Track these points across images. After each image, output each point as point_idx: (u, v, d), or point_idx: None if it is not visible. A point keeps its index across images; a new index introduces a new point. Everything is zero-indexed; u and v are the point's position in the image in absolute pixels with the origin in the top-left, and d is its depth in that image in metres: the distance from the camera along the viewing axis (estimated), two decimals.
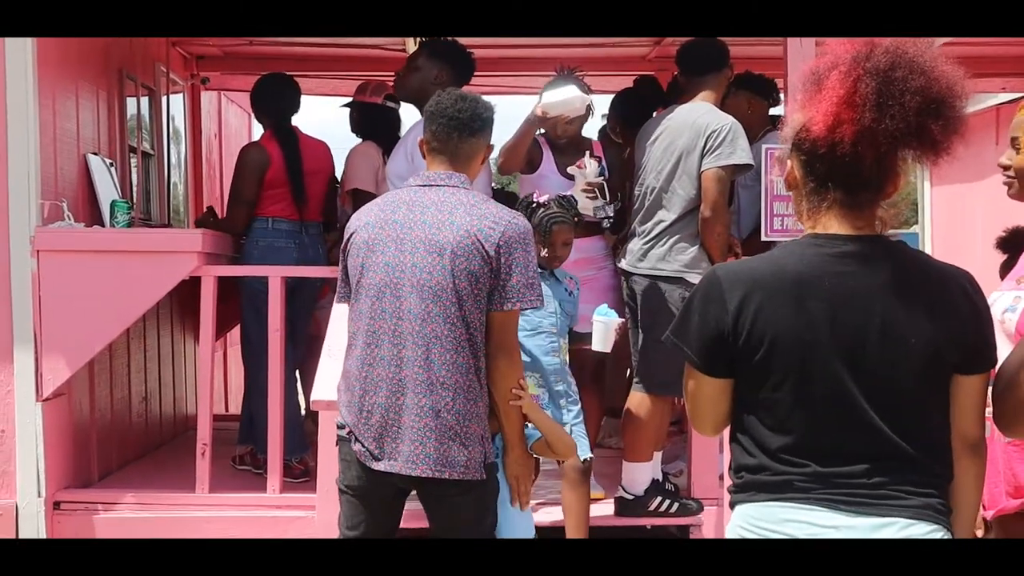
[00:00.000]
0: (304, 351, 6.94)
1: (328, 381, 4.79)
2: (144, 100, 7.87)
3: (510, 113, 6.28)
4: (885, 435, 2.63)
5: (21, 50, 5.71)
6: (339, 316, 4.96)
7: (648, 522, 5.75)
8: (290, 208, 6.63)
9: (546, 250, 5.20)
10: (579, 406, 5.32)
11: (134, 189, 7.56)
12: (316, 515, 5.43)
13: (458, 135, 4.20)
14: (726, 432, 2.87)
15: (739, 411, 2.76)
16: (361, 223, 4.19)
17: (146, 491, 6.15)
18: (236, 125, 10.83)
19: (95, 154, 6.61)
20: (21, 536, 5.81)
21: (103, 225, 6.27)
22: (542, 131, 5.99)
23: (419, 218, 4.08)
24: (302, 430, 6.71)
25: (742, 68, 6.31)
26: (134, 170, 7.61)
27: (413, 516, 4.57)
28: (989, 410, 2.80)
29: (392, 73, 6.58)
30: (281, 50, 8.45)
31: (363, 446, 4.08)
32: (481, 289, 4.02)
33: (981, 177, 9.52)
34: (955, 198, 11.61)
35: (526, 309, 4.18)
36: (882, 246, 2.71)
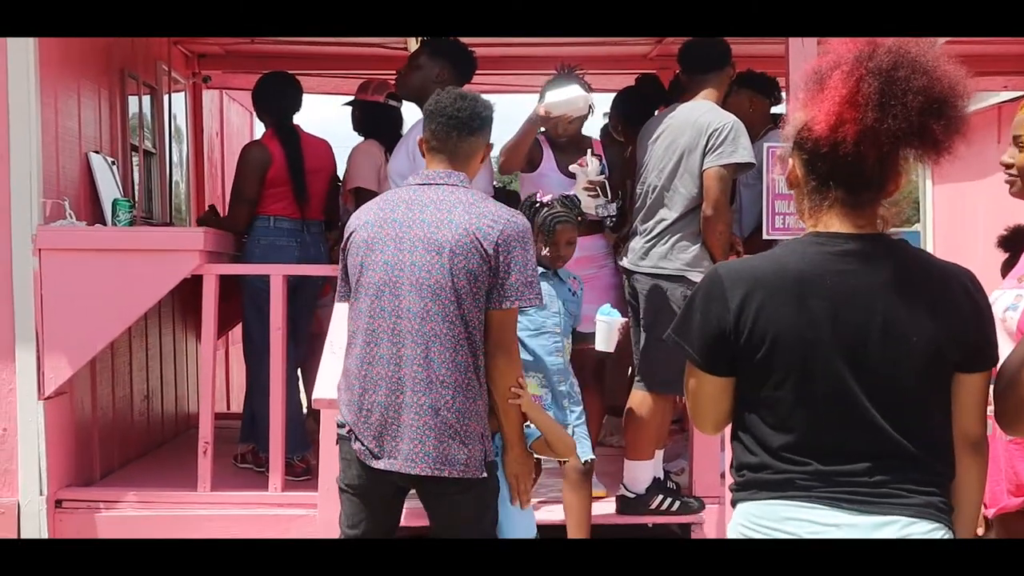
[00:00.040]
0: (306, 349, 6.94)
1: (330, 379, 4.79)
2: (146, 98, 7.87)
3: (510, 112, 6.29)
4: (887, 433, 2.63)
5: (23, 49, 5.71)
6: (341, 314, 4.96)
7: (650, 520, 5.75)
8: (292, 207, 6.63)
9: (548, 249, 5.19)
10: (581, 407, 5.31)
11: (136, 188, 7.56)
12: (318, 513, 5.43)
13: (457, 134, 4.20)
14: (727, 430, 2.88)
15: (740, 409, 2.76)
16: (360, 222, 4.20)
17: (148, 489, 6.15)
18: (238, 124, 10.83)
19: (97, 152, 6.61)
20: (23, 534, 5.82)
21: (105, 224, 6.27)
22: (542, 129, 6.00)
23: (418, 217, 4.08)
24: (304, 428, 6.72)
25: (744, 66, 6.31)
26: (136, 169, 7.61)
27: (414, 515, 4.58)
28: (990, 408, 2.80)
29: (394, 72, 6.58)
30: (283, 48, 8.45)
31: (363, 445, 4.09)
32: (480, 287, 4.03)
33: (983, 175, 9.51)
34: (957, 196, 11.61)
35: (525, 307, 4.19)
36: (883, 244, 2.71)
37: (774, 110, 6.79)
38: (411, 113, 6.69)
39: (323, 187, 6.86)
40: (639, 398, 5.67)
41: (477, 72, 6.30)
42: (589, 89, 6.03)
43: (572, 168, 5.85)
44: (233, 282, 6.58)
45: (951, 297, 2.68)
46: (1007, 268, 4.23)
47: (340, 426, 4.20)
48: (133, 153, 7.54)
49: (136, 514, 5.96)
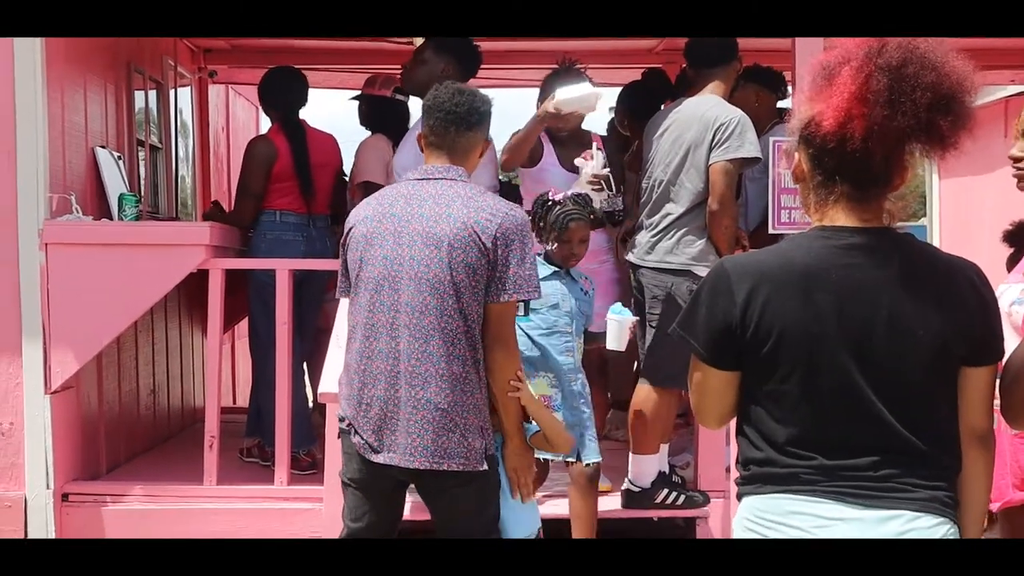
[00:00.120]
0: (312, 344, 6.95)
1: (335, 373, 4.79)
2: (152, 93, 7.88)
3: (510, 107, 6.28)
4: (892, 427, 2.63)
5: (30, 44, 5.72)
6: (347, 308, 4.97)
7: (655, 514, 5.76)
8: (298, 201, 6.64)
9: (561, 247, 5.15)
10: (591, 408, 5.30)
11: (142, 182, 7.56)
12: (323, 507, 5.44)
13: (455, 129, 4.20)
14: (732, 424, 2.88)
15: (746, 404, 2.76)
16: (360, 217, 4.20)
17: (154, 483, 6.16)
18: (244, 118, 10.83)
19: (103, 147, 6.62)
20: (30, 528, 5.83)
21: (111, 218, 6.27)
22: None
23: (417, 211, 4.09)
24: (309, 422, 6.73)
25: (750, 60, 6.30)
26: (142, 163, 7.62)
27: (419, 508, 4.58)
28: (996, 402, 2.80)
29: (400, 66, 6.58)
30: (289, 43, 8.44)
31: (362, 439, 4.10)
32: (479, 281, 4.03)
33: (989, 170, 9.49)
34: (963, 191, 11.59)
35: (523, 300, 4.19)
36: (889, 238, 2.71)
37: (780, 104, 6.79)
38: (418, 108, 6.68)
39: (329, 182, 6.86)
40: (644, 392, 5.67)
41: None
42: (590, 84, 6.03)
43: (577, 162, 5.84)
44: (239, 276, 6.58)
45: (957, 291, 2.68)
46: (1012, 262, 4.24)
47: (341, 420, 4.22)
48: (139, 148, 7.55)
49: (142, 508, 5.97)
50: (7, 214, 5.79)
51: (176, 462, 6.81)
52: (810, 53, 5.28)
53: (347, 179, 7.09)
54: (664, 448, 5.81)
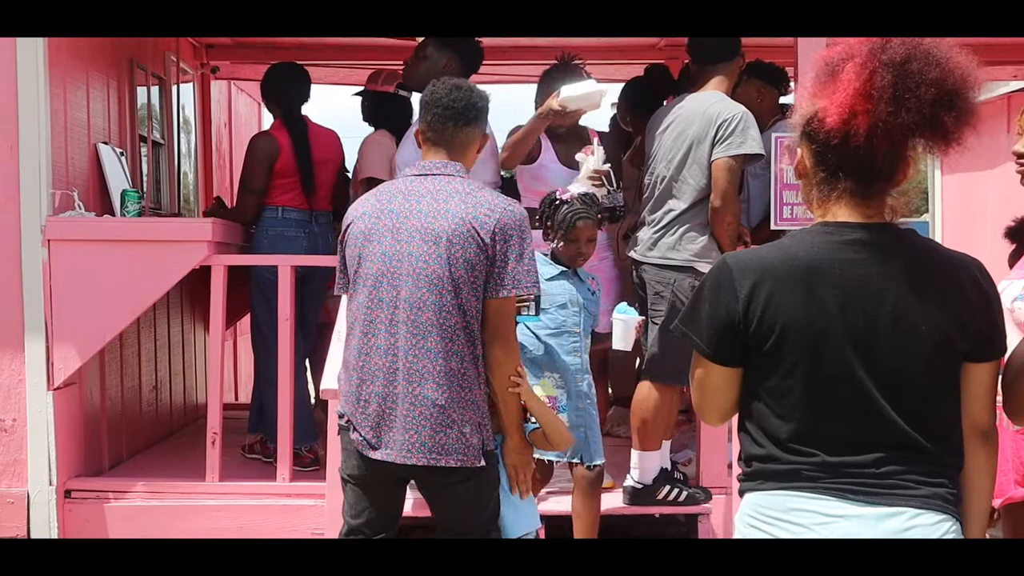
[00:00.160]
0: (314, 340, 6.95)
1: (338, 370, 4.80)
2: (154, 89, 7.87)
3: (512, 102, 6.27)
4: (895, 424, 2.63)
5: (32, 41, 5.72)
6: None
7: (656, 511, 5.76)
8: (300, 197, 6.64)
9: (568, 246, 5.13)
10: (596, 410, 5.29)
11: (144, 178, 7.56)
12: (326, 503, 5.45)
13: (453, 124, 4.20)
14: (734, 421, 2.88)
15: (748, 400, 2.76)
16: (358, 213, 4.20)
17: (156, 480, 6.17)
18: (246, 114, 10.83)
19: (106, 143, 6.63)
20: (32, 524, 5.84)
21: (114, 214, 6.28)
22: None
23: (415, 207, 4.08)
24: (311, 419, 6.73)
25: (752, 56, 6.29)
26: (144, 159, 7.62)
27: (420, 505, 4.58)
28: (999, 398, 2.79)
29: (403, 62, 6.58)
30: (291, 39, 8.44)
31: (360, 435, 4.10)
32: (477, 277, 4.02)
33: (991, 166, 9.49)
34: (965, 187, 11.58)
35: (522, 295, 4.18)
36: (892, 234, 2.71)
37: (782, 100, 6.78)
38: None
39: (331, 178, 6.86)
40: (646, 389, 5.67)
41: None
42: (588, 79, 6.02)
43: (577, 157, 5.80)
44: (241, 273, 6.58)
45: (960, 287, 2.68)
46: (1014, 259, 4.23)
47: (340, 416, 4.22)
48: (142, 144, 7.55)
49: (145, 504, 5.98)
50: (10, 210, 5.80)
51: (178, 458, 6.81)
52: (812, 52, 5.31)
53: (349, 175, 7.09)
54: (666, 445, 5.81)
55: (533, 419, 4.29)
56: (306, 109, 6.91)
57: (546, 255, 5.19)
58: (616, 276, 6.13)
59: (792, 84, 6.65)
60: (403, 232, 4.06)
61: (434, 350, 4.00)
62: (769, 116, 6.50)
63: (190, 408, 8.16)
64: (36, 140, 5.77)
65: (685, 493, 5.74)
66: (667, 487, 5.71)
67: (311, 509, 5.85)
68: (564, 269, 5.15)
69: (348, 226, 4.21)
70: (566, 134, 5.99)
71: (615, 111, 7.35)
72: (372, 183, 6.37)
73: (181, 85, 8.49)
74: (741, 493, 2.79)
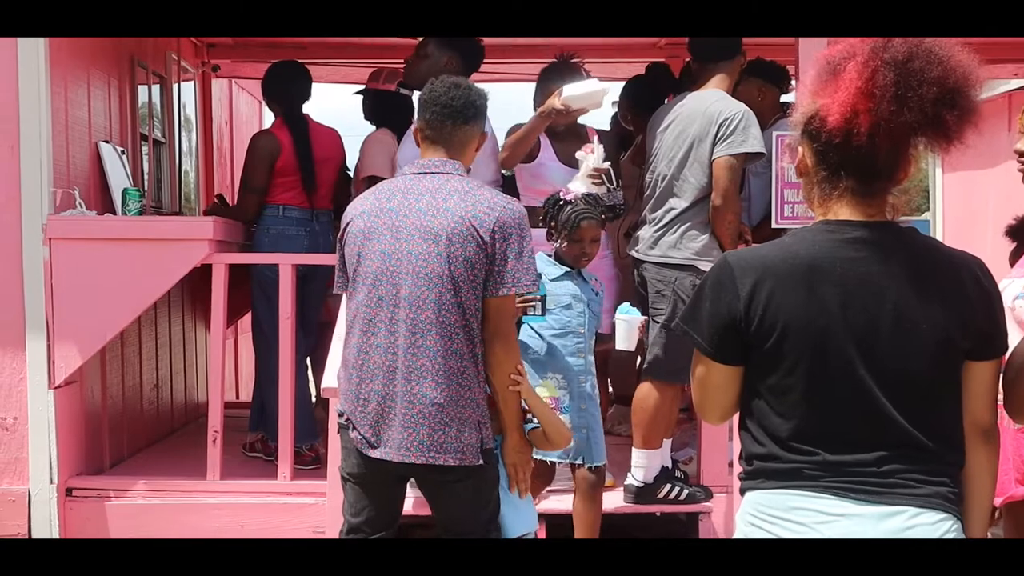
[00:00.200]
0: (315, 338, 6.95)
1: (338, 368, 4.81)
2: (155, 88, 7.88)
3: (512, 101, 6.26)
4: (896, 422, 2.63)
5: (33, 40, 5.72)
6: None
7: (657, 509, 5.76)
8: (301, 196, 6.64)
9: (572, 246, 5.12)
10: (600, 411, 5.27)
11: (145, 177, 7.57)
12: (327, 502, 5.44)
13: (452, 123, 4.20)
14: (735, 419, 2.88)
15: (749, 399, 2.76)
16: (357, 212, 4.20)
17: (157, 478, 6.17)
18: (247, 113, 10.83)
19: (107, 142, 6.63)
20: (33, 522, 5.84)
21: (115, 213, 6.28)
22: None
23: (414, 206, 4.08)
24: (312, 417, 6.73)
25: (753, 55, 6.29)
26: (145, 158, 7.62)
27: (420, 503, 4.58)
28: (999, 397, 2.79)
29: (404, 61, 6.57)
30: (292, 38, 8.43)
31: (360, 434, 4.10)
32: (477, 275, 4.02)
33: (992, 164, 9.49)
34: (966, 185, 11.58)
35: (521, 294, 4.18)
36: (893, 232, 2.71)
37: (783, 99, 6.78)
38: None
39: (332, 176, 6.86)
40: (647, 387, 5.67)
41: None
42: (588, 77, 6.00)
43: (578, 155, 5.76)
44: (242, 271, 6.58)
45: (961, 285, 2.68)
46: (1015, 257, 4.23)
47: (340, 415, 4.22)
48: (143, 142, 7.55)
49: (146, 502, 5.98)
50: (11, 209, 5.80)
51: (179, 457, 6.81)
52: (813, 51, 5.30)
53: (350, 174, 7.09)
54: (667, 443, 5.81)
55: (533, 418, 4.28)
56: (307, 108, 6.92)
57: (550, 256, 5.19)
58: (615, 275, 6.12)
59: (793, 82, 6.65)
60: (402, 230, 4.06)
61: (433, 348, 4.00)
62: (770, 114, 6.49)
63: (191, 406, 8.16)
64: (37, 139, 5.77)
65: (686, 492, 5.74)
66: (668, 486, 5.71)
67: (312, 507, 5.85)
68: (568, 269, 5.14)
69: (347, 224, 4.21)
70: (565, 132, 5.98)
71: (616, 110, 7.35)
72: (374, 181, 6.35)
73: (182, 83, 8.49)
74: (742, 492, 2.79)
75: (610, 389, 7.20)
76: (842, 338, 2.62)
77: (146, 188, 7.37)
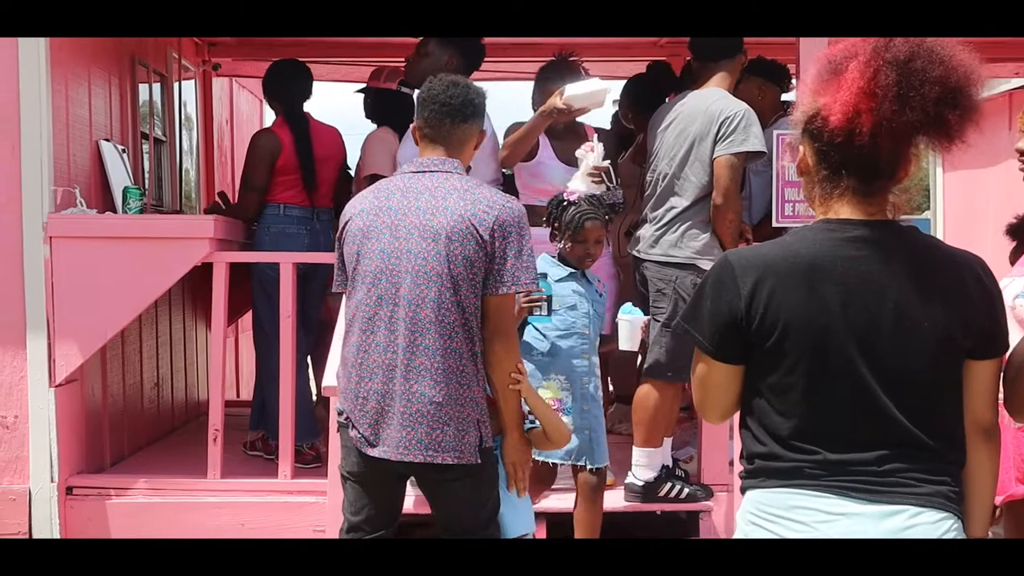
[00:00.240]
0: (315, 337, 6.95)
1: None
2: (156, 86, 7.88)
3: (512, 99, 6.26)
4: (897, 421, 2.63)
5: (34, 38, 5.71)
6: None
7: (658, 508, 5.76)
8: (301, 194, 6.64)
9: (576, 247, 5.10)
10: (603, 412, 5.25)
11: (146, 175, 7.57)
12: (327, 500, 5.45)
13: (450, 121, 4.19)
14: (736, 418, 2.88)
15: (749, 398, 2.76)
16: (356, 210, 4.19)
17: (158, 476, 6.17)
18: (247, 111, 10.84)
19: (107, 140, 6.63)
20: (34, 521, 5.84)
21: (115, 211, 6.28)
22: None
23: (413, 204, 4.07)
24: (313, 416, 6.73)
25: (754, 53, 6.29)
26: (146, 156, 7.62)
27: (421, 502, 4.58)
28: (1000, 395, 2.79)
29: (405, 59, 6.57)
30: (293, 37, 8.43)
31: (359, 432, 4.09)
32: (476, 274, 4.02)
33: (993, 163, 9.49)
34: (967, 184, 11.58)
35: (521, 292, 4.17)
36: (894, 231, 2.71)
37: (784, 97, 6.78)
38: None
39: (332, 175, 6.86)
40: (648, 386, 5.67)
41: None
42: (586, 75, 5.99)
43: (578, 153, 5.71)
44: (243, 270, 6.59)
45: (962, 284, 2.68)
46: (1015, 256, 4.23)
47: (339, 414, 4.22)
48: (143, 141, 7.55)
49: (146, 501, 5.98)
50: (11, 207, 5.80)
51: (180, 455, 6.81)
52: (815, 51, 5.30)
53: (351, 172, 7.09)
54: (667, 442, 5.81)
55: (534, 418, 4.28)
56: (308, 106, 6.92)
57: (553, 256, 5.17)
58: (615, 274, 6.12)
59: (794, 81, 6.65)
60: (402, 229, 4.05)
61: (432, 347, 4.00)
62: (771, 113, 6.49)
63: (192, 405, 8.16)
64: (38, 137, 5.77)
65: (686, 490, 5.74)
66: (668, 484, 5.71)
67: (313, 506, 5.85)
68: (572, 271, 5.13)
69: (346, 223, 4.20)
70: (564, 131, 5.98)
71: (616, 108, 7.35)
72: (375, 180, 6.34)
73: (183, 82, 8.49)
74: (743, 490, 2.78)
75: (611, 388, 7.20)
76: (843, 337, 2.62)
77: (147, 187, 7.37)
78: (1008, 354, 2.77)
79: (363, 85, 7.31)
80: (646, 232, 5.79)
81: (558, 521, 5.44)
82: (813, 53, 5.29)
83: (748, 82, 6.39)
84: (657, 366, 5.64)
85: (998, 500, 3.55)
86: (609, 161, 5.75)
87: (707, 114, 5.63)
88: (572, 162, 5.80)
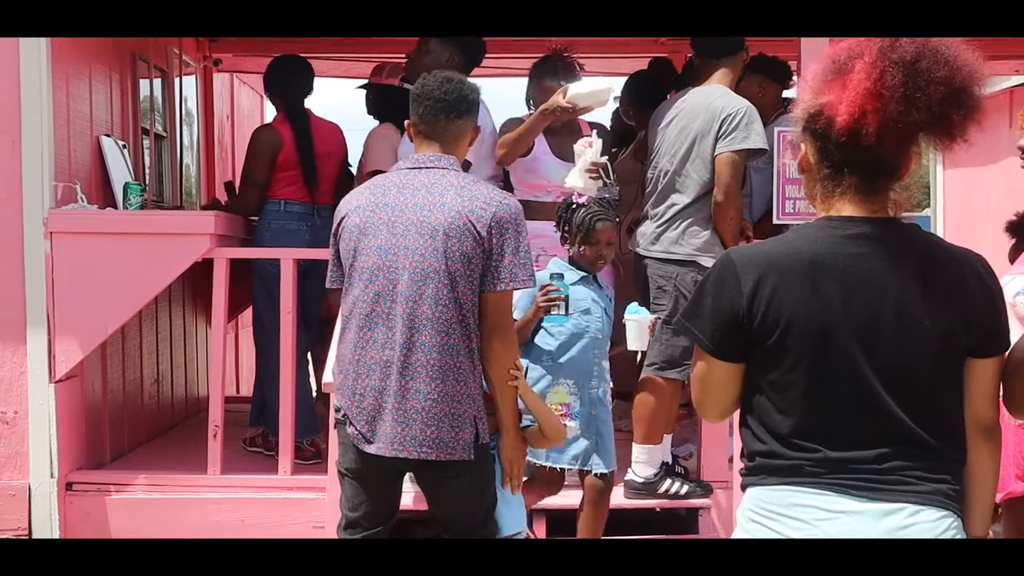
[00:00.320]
0: (316, 333, 6.95)
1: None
2: (157, 82, 7.88)
3: (513, 96, 6.25)
4: (899, 419, 2.62)
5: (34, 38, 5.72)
6: None
7: (657, 504, 5.76)
8: (302, 190, 6.64)
9: (588, 249, 5.05)
10: (611, 417, 5.23)
11: (147, 171, 7.57)
12: (327, 496, 5.44)
13: (445, 117, 4.19)
14: (735, 415, 2.88)
15: (749, 395, 2.75)
16: (352, 207, 4.18)
17: (158, 472, 6.17)
18: (248, 107, 10.84)
19: (108, 136, 6.63)
20: (33, 517, 5.85)
21: (116, 207, 6.28)
22: (531, 112, 5.94)
23: (410, 200, 4.07)
24: (313, 412, 6.73)
25: (755, 50, 6.28)
26: (147, 152, 7.62)
27: (420, 498, 4.58)
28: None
29: (406, 55, 6.57)
30: (292, 36, 8.42)
31: (356, 429, 4.09)
32: (474, 270, 4.01)
33: (993, 160, 9.50)
34: (967, 181, 11.59)
35: (518, 289, 4.17)
36: (896, 229, 2.71)
37: (785, 94, 6.77)
38: None
39: (333, 171, 6.85)
40: (648, 383, 5.68)
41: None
42: (581, 69, 5.97)
43: (576, 148, 5.66)
44: (243, 266, 6.59)
45: (963, 282, 2.67)
46: (1015, 253, 4.24)
47: (336, 411, 4.22)
48: (144, 136, 7.55)
49: (146, 497, 5.98)
50: (12, 203, 5.80)
51: (180, 451, 6.81)
52: (816, 50, 5.30)
53: (351, 168, 7.08)
54: (667, 439, 5.82)
55: (530, 416, 4.28)
56: (309, 102, 6.91)
57: (564, 260, 5.13)
58: (610, 271, 6.11)
59: (795, 78, 6.64)
60: (399, 225, 4.05)
61: (429, 344, 4.00)
62: (771, 110, 6.49)
63: (192, 401, 8.16)
64: (39, 133, 5.77)
65: (686, 487, 5.74)
66: (668, 481, 5.71)
67: (312, 502, 5.85)
68: (585, 274, 5.09)
69: (342, 219, 4.20)
70: (559, 127, 5.92)
71: (618, 105, 7.34)
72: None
73: (184, 78, 8.49)
74: (743, 488, 2.78)
75: (610, 384, 7.19)
76: (845, 335, 2.62)
77: (147, 182, 7.37)
78: (1008, 352, 2.77)
79: (365, 81, 7.30)
80: (647, 229, 5.79)
81: (558, 518, 5.44)
82: (814, 52, 5.32)
83: (749, 79, 6.38)
84: (657, 363, 5.64)
85: (998, 497, 3.55)
86: (607, 157, 5.74)
87: (709, 111, 5.63)
88: (568, 157, 5.75)
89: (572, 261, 5.12)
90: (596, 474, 5.11)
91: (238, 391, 9.22)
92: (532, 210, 5.48)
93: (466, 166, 5.31)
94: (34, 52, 5.75)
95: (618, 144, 7.16)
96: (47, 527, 5.84)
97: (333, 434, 4.88)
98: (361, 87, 7.27)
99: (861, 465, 2.62)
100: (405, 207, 4.06)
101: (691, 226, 5.66)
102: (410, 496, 4.95)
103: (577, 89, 5.61)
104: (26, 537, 5.82)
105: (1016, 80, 10.00)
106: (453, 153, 4.21)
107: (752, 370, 2.73)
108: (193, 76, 8.90)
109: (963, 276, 2.68)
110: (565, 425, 4.90)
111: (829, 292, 2.63)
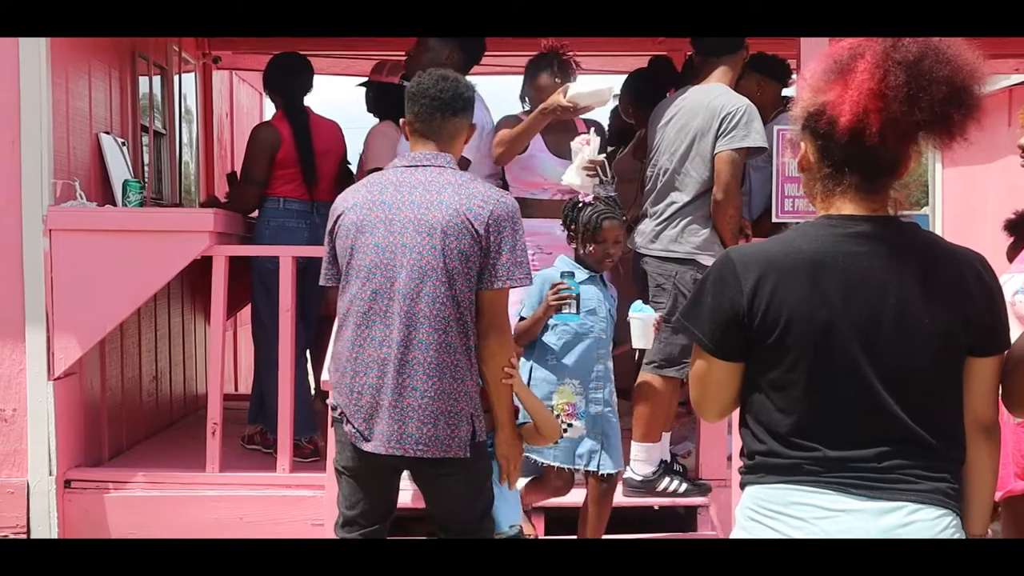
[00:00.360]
0: (314, 331, 6.95)
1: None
2: (156, 79, 7.88)
3: (513, 94, 6.24)
4: (898, 418, 2.62)
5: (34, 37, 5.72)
6: None
7: (656, 503, 5.76)
8: (301, 188, 6.64)
9: (594, 248, 5.02)
10: (617, 417, 5.20)
11: (146, 169, 7.57)
12: (325, 494, 5.44)
13: (440, 115, 4.19)
14: (734, 413, 2.87)
15: (749, 394, 2.75)
16: (348, 204, 4.18)
17: (156, 470, 6.17)
18: (248, 104, 10.84)
19: (107, 133, 6.62)
20: (32, 514, 5.85)
21: (115, 204, 6.28)
22: (526, 109, 5.93)
23: (407, 198, 4.07)
24: (312, 410, 6.73)
25: (755, 49, 6.27)
26: (146, 150, 7.62)
27: (418, 496, 4.58)
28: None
29: (406, 53, 6.56)
30: (292, 36, 8.41)
31: (353, 427, 4.09)
32: (471, 268, 4.01)
33: (992, 159, 9.50)
34: (966, 180, 11.58)
35: (515, 287, 4.17)
36: (895, 227, 2.70)
37: (784, 92, 6.76)
38: None
39: (332, 169, 6.85)
40: (646, 381, 5.67)
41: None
42: (577, 66, 5.96)
43: (574, 145, 5.63)
44: (242, 263, 6.58)
45: (963, 281, 2.67)
46: (1013, 252, 4.24)
47: (334, 409, 4.22)
48: (143, 134, 7.55)
49: (145, 494, 5.98)
50: (11, 200, 5.81)
51: (178, 449, 6.82)
52: (816, 50, 5.30)
53: (351, 166, 7.08)
54: (666, 437, 5.81)
55: (526, 414, 4.29)
56: (308, 100, 6.91)
57: (571, 259, 5.12)
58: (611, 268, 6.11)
59: (794, 76, 6.64)
60: (396, 223, 4.05)
61: (426, 342, 4.00)
62: (771, 109, 6.48)
63: (190, 398, 8.16)
64: (38, 130, 5.78)
65: (685, 485, 5.74)
66: (667, 479, 5.71)
67: (311, 500, 5.86)
68: (591, 274, 5.07)
69: (338, 217, 4.19)
70: (556, 124, 5.91)
71: (617, 103, 7.34)
72: None
73: (183, 75, 8.49)
74: (742, 486, 2.78)
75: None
76: (845, 333, 2.62)
77: (146, 180, 7.37)
78: (1007, 351, 2.77)
79: (365, 79, 7.30)
80: (646, 227, 5.79)
81: (557, 517, 5.44)
82: (814, 52, 5.31)
83: (748, 78, 6.38)
84: (656, 361, 5.64)
85: (997, 496, 3.55)
86: (604, 155, 5.72)
87: (708, 109, 5.63)
88: (564, 155, 5.70)
89: (579, 259, 5.10)
90: (602, 475, 5.11)
91: (237, 389, 9.23)
92: (528, 207, 5.47)
93: (465, 164, 5.31)
94: (34, 49, 5.75)
95: (617, 142, 7.16)
96: (46, 525, 5.84)
97: (331, 432, 4.89)
98: (361, 85, 7.26)
99: (860, 464, 2.62)
100: (403, 205, 4.06)
101: (690, 224, 5.66)
102: (408, 494, 4.95)
103: (578, 89, 5.59)
104: (24, 535, 5.82)
105: (1016, 79, 9.99)
106: (449, 151, 4.22)
107: (752, 369, 2.73)
108: (192, 73, 8.90)
109: (963, 275, 2.68)
110: (571, 425, 4.91)
111: (829, 291, 2.63)
